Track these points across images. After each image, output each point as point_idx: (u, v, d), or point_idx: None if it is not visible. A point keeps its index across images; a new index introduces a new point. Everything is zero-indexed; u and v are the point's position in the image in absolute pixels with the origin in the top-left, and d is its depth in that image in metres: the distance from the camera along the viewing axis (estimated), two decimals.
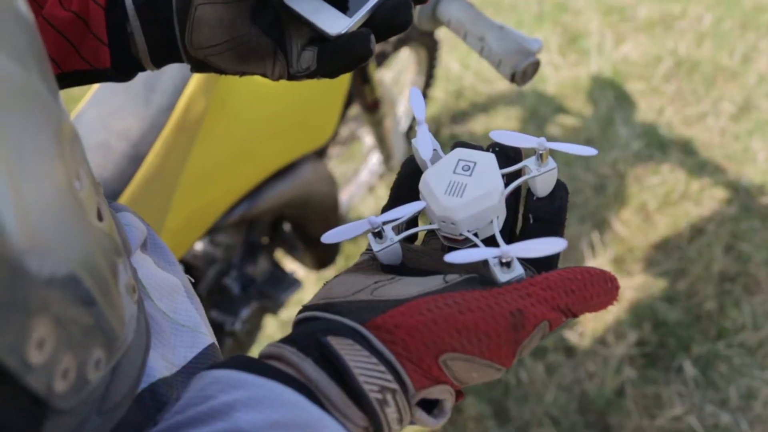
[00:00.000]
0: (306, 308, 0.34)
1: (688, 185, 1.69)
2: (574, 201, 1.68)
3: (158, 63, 0.45)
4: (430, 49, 1.55)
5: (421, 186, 0.38)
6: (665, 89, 1.92)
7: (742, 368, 1.38)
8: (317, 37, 0.45)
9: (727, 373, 1.38)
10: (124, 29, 0.43)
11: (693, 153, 1.76)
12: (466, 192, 0.36)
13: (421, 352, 0.30)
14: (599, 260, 1.56)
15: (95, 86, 0.83)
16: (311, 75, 0.45)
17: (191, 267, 1.00)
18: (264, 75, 0.45)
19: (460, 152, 0.38)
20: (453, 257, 0.33)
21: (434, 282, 0.33)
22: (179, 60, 0.45)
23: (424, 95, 1.68)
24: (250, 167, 0.94)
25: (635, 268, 1.55)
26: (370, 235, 0.37)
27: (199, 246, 1.01)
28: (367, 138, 1.69)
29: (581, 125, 1.86)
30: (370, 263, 0.39)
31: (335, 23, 0.43)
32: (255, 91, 0.91)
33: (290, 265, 1.46)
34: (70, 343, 0.26)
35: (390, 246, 0.37)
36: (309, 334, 0.31)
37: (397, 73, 1.70)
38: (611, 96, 1.91)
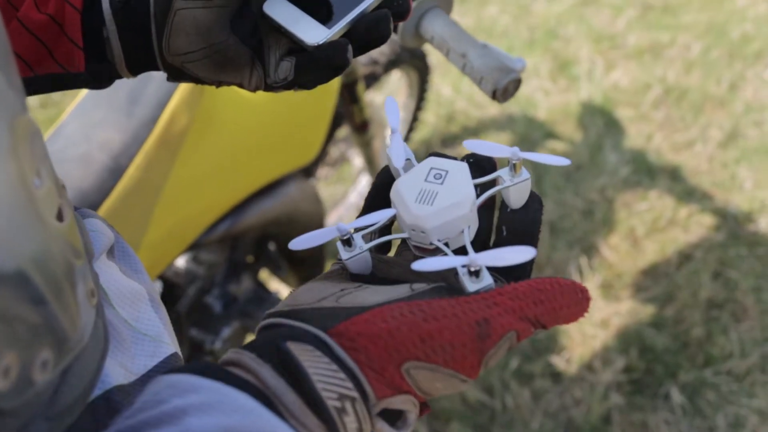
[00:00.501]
0: (270, 315, 0.34)
1: (676, 212, 1.69)
2: (563, 226, 1.68)
3: (134, 70, 0.45)
4: (422, 72, 1.56)
5: (392, 194, 0.38)
6: (654, 116, 1.94)
7: (730, 396, 1.37)
8: (296, 47, 0.44)
9: (715, 400, 1.36)
10: (100, 34, 0.43)
11: (681, 180, 1.77)
12: (436, 200, 0.36)
13: (383, 360, 0.29)
14: (587, 285, 1.55)
15: (78, 98, 0.83)
16: (288, 86, 0.45)
17: (172, 284, 0.99)
18: (241, 85, 0.45)
19: (432, 161, 0.38)
20: (420, 265, 0.32)
21: (400, 290, 0.33)
22: (155, 67, 0.45)
23: (415, 118, 1.69)
24: (233, 183, 0.93)
25: (623, 293, 1.55)
26: (339, 243, 0.37)
27: (180, 263, 1.00)
28: (357, 159, 1.69)
29: (571, 151, 1.86)
30: (340, 272, 0.38)
31: (314, 34, 0.43)
32: (240, 106, 0.90)
33: (275, 285, 1.45)
34: (14, 342, 0.25)
35: (359, 254, 0.36)
36: (270, 340, 0.30)
37: (388, 95, 1.70)
38: (600, 122, 1.92)
